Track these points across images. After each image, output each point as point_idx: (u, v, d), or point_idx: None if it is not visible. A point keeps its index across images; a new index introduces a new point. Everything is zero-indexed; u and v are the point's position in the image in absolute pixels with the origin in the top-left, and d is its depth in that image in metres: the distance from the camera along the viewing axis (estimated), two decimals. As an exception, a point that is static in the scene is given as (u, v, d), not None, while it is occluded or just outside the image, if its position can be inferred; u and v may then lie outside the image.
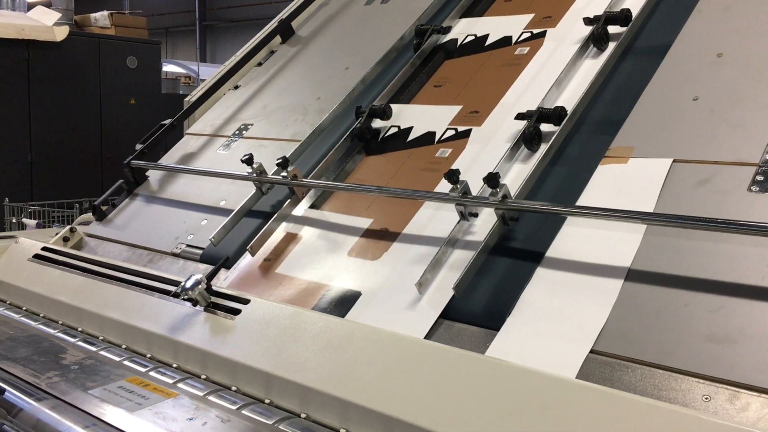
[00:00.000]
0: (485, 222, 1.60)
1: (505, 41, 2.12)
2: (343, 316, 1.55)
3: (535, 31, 2.07)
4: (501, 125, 1.84)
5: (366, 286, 1.63)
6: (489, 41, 2.16)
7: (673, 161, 1.48)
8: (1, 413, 1.21)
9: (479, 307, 1.45)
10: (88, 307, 1.81)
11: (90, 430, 1.22)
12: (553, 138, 1.68)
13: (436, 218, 1.71)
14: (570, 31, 1.99)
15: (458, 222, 1.61)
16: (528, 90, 1.88)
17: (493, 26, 2.20)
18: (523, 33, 2.10)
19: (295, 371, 1.36)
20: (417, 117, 2.05)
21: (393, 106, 2.10)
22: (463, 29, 2.27)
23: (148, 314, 1.68)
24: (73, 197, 4.57)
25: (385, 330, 1.38)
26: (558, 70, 1.84)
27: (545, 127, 1.74)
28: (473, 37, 2.21)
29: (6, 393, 1.29)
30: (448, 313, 1.47)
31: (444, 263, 1.57)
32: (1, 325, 1.83)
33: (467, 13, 2.33)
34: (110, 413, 1.29)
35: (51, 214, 4.31)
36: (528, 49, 2.03)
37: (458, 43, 2.23)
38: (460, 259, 1.55)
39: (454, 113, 1.97)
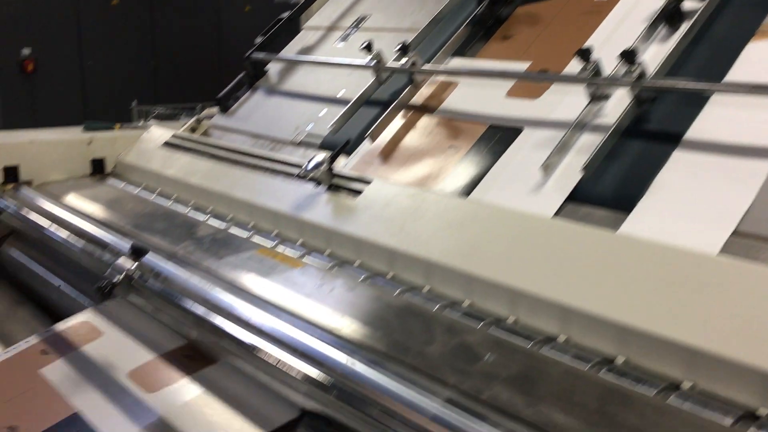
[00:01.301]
0: (617, 104, 1.51)
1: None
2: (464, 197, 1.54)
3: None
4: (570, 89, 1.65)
5: (485, 171, 1.59)
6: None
7: (840, 34, 1.33)
8: (146, 269, 1.30)
9: (609, 189, 1.39)
10: (217, 188, 1.88)
11: (225, 291, 1.28)
12: (698, 14, 1.54)
13: (562, 102, 1.63)
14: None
15: (588, 104, 1.53)
16: (606, 45, 1.62)
17: None
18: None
19: (418, 246, 1.37)
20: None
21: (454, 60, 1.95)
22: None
23: (274, 194, 1.74)
24: (193, 101, 4.75)
25: (509, 209, 1.36)
26: (642, 24, 1.60)
27: (688, 5, 1.60)
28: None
29: (147, 256, 1.37)
30: (575, 196, 1.43)
31: (571, 146, 1.50)
32: (137, 204, 1.94)
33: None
34: (243, 277, 1.36)
35: (175, 116, 4.51)
36: None
37: None
38: (589, 142, 1.48)
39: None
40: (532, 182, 1.49)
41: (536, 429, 0.85)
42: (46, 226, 1.64)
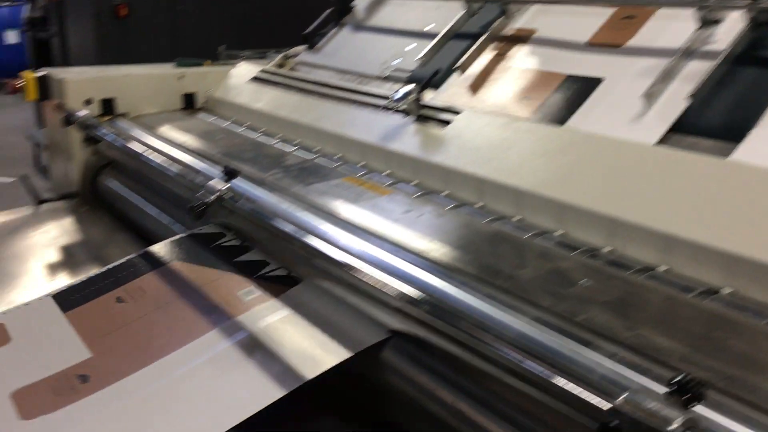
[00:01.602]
0: (728, 30, 1.40)
1: None
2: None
3: None
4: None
5: (582, 101, 1.52)
6: None
7: None
8: (237, 191, 1.31)
9: (717, 118, 1.30)
10: (304, 120, 1.89)
11: (312, 214, 1.28)
12: (827, -72, 1.40)
13: (666, 30, 1.53)
14: None
15: (696, 30, 1.43)
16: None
17: None
18: None
19: (509, 176, 1.33)
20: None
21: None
22: None
23: (362, 126, 1.72)
24: (279, 46, 4.76)
25: (608, 136, 1.29)
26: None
27: None
28: None
29: (237, 180, 1.38)
30: (680, 127, 1.34)
31: (677, 74, 1.41)
32: (227, 135, 1.97)
33: None
34: (331, 203, 1.36)
35: (261, 59, 4.54)
36: None
37: None
38: (696, 70, 1.39)
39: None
40: (632, 112, 1.42)
41: (636, 351, 0.81)
42: (141, 153, 1.69)
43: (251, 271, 1.34)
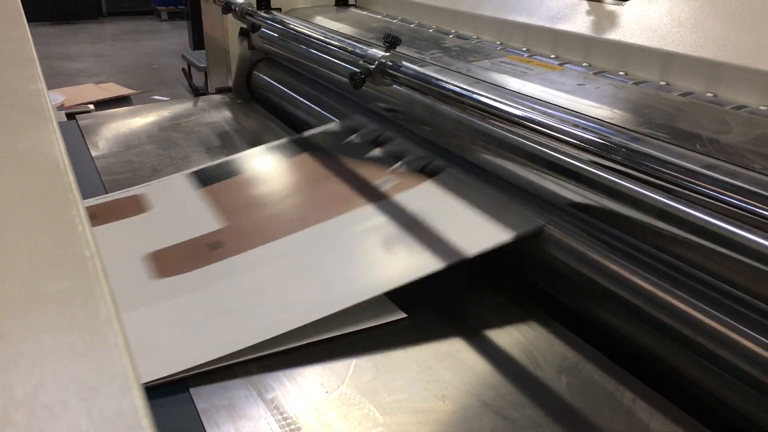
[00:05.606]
0: None
1: None
2: None
3: None
4: None
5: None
6: None
7: None
8: (398, 59, 1.24)
9: None
10: (461, 8, 1.78)
11: (479, 82, 1.19)
12: None
13: None
14: None
15: None
16: None
17: None
18: None
19: (704, 48, 1.17)
20: None
21: None
22: None
23: (525, 8, 1.60)
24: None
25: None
26: None
27: None
28: None
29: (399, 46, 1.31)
30: None
31: None
32: (381, 23, 1.91)
33: None
34: (494, 78, 1.26)
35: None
36: None
37: None
38: None
39: None
40: None
41: None
42: (298, 34, 1.66)
43: (386, 165, 1.34)
